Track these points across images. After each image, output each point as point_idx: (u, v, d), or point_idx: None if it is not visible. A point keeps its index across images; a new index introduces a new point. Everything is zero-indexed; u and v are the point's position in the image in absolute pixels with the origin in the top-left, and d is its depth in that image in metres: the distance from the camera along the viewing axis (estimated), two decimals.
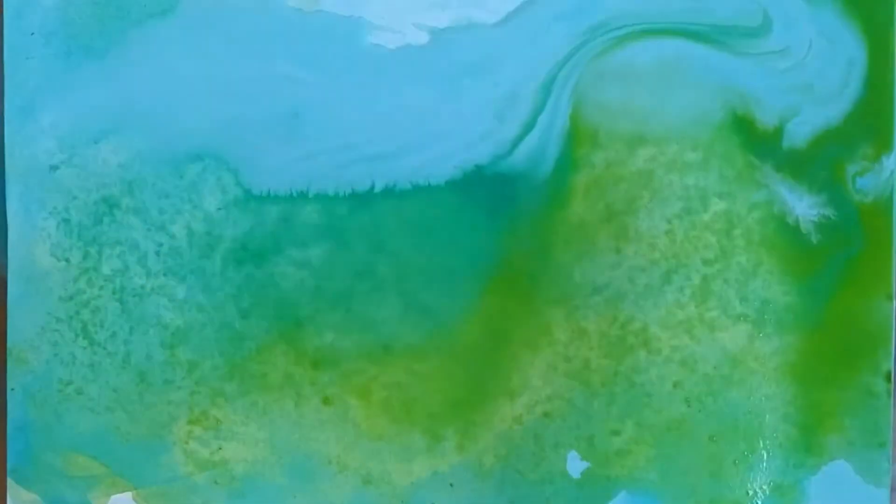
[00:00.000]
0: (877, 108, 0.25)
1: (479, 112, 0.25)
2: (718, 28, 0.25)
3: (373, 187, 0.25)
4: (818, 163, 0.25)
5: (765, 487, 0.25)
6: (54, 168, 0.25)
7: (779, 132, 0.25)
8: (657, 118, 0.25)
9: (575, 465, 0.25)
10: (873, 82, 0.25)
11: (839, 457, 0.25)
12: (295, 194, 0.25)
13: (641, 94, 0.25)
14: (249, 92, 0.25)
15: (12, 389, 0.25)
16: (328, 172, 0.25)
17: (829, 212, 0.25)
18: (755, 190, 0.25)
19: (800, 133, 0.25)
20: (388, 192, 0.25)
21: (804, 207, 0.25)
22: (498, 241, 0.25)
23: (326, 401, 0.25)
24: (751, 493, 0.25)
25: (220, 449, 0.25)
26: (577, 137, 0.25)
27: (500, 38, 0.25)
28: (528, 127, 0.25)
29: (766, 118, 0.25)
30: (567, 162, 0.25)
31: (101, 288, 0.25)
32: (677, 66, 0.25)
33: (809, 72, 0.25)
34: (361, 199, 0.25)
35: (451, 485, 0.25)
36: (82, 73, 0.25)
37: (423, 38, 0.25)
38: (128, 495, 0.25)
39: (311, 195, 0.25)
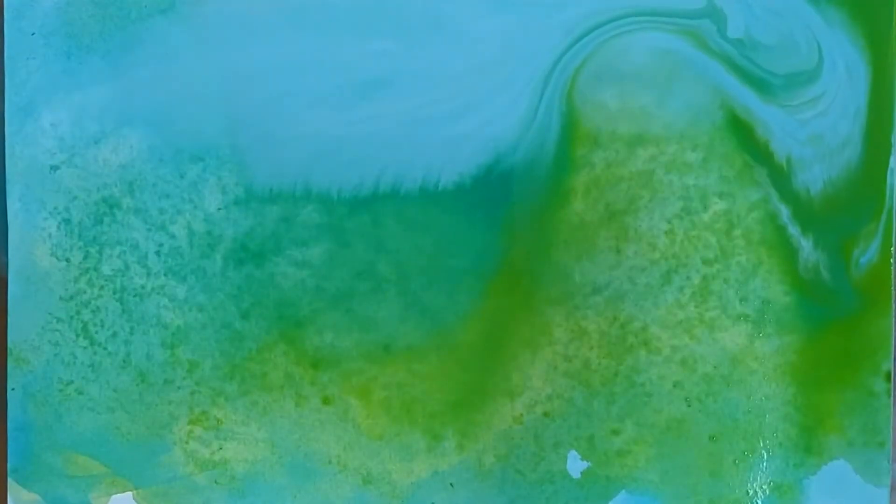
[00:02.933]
0: (873, 172, 0.24)
1: (477, 114, 0.24)
2: (774, 75, 0.24)
3: (376, 187, 0.24)
4: (825, 223, 0.24)
5: (765, 487, 0.24)
6: (55, 168, 0.24)
7: (790, 169, 0.24)
8: (657, 118, 0.24)
9: (575, 464, 0.24)
10: (872, 138, 0.24)
11: (839, 456, 0.24)
12: (296, 194, 0.24)
13: (641, 94, 0.24)
14: (251, 90, 0.24)
15: (13, 389, 0.24)
16: (330, 172, 0.24)
17: (825, 273, 0.24)
18: (755, 189, 0.24)
19: (810, 185, 0.24)
20: (390, 191, 0.24)
21: (804, 249, 0.24)
22: (498, 241, 0.24)
23: (326, 401, 0.24)
24: (751, 492, 0.24)
25: (220, 449, 0.25)
26: (576, 137, 0.24)
27: (495, 36, 0.24)
28: (527, 126, 0.24)
29: (777, 153, 0.24)
30: (567, 162, 0.24)
31: (102, 288, 0.24)
32: (679, 67, 0.24)
33: (827, 122, 0.24)
34: (363, 199, 0.24)
35: (452, 484, 0.24)
36: (83, 74, 0.24)
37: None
38: (128, 495, 0.24)
39: (312, 195, 0.24)
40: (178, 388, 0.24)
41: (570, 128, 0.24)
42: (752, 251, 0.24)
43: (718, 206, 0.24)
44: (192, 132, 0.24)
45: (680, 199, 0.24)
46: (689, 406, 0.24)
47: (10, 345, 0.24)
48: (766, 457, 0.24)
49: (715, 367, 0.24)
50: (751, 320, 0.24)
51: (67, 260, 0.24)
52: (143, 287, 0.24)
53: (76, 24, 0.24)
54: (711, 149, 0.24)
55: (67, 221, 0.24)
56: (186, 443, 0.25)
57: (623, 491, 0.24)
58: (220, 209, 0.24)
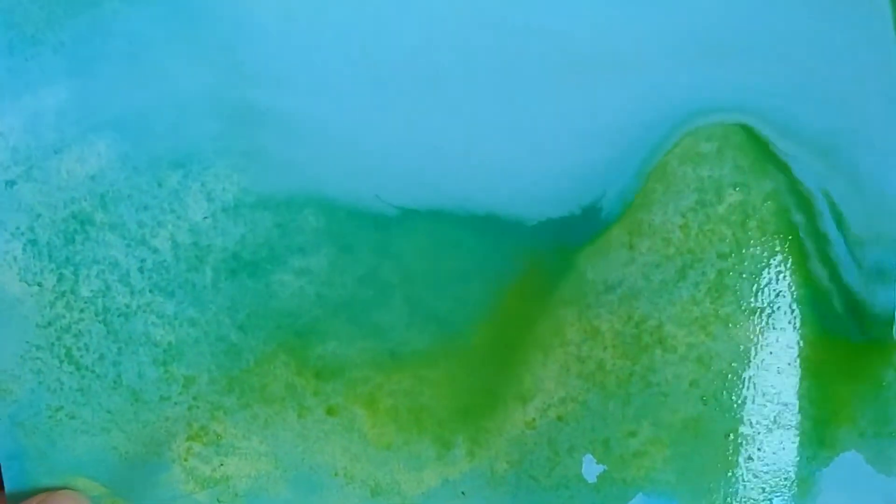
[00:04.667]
0: None
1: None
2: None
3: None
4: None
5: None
6: (11, 183, 0.20)
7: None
8: None
9: (591, 468, 0.22)
10: None
11: (850, 448, 0.22)
12: (291, 197, 0.21)
13: None
14: (242, 84, 0.20)
15: None
16: (330, 178, 0.21)
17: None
18: (769, 179, 0.21)
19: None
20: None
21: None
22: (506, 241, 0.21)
23: (331, 411, 0.22)
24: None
25: (221, 465, 0.22)
26: None
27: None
28: None
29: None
30: None
31: (82, 311, 0.21)
32: None
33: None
34: (365, 206, 0.21)
35: (463, 493, 0.22)
36: (31, 72, 0.20)
37: None
38: None
39: (309, 197, 0.21)
40: (175, 403, 0.22)
41: None
42: (766, 242, 0.22)
43: (734, 197, 0.22)
44: (171, 135, 0.20)
45: (694, 191, 0.22)
46: (706, 404, 0.22)
47: None
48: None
49: (731, 363, 0.22)
50: (765, 314, 0.22)
51: (39, 284, 0.21)
52: (127, 306, 0.21)
53: (16, 11, 0.19)
54: (726, 138, 0.21)
55: (34, 242, 0.20)
56: (185, 460, 0.22)
57: (640, 493, 0.22)
58: (205, 218, 0.21)
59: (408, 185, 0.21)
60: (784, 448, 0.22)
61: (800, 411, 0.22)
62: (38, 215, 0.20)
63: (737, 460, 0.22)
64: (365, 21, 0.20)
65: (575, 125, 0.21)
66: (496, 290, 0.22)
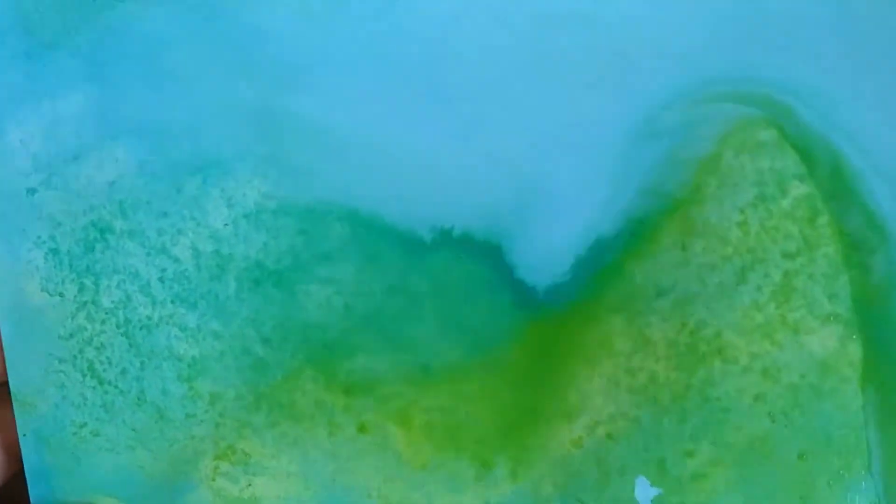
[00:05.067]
0: None
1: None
2: None
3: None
4: None
5: None
6: (32, 191, 0.20)
7: None
8: None
9: (644, 491, 0.20)
10: None
11: None
12: (314, 206, 0.20)
13: None
14: (253, 88, 0.19)
15: (24, 435, 0.20)
16: (354, 187, 0.19)
17: None
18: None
19: None
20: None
21: None
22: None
23: (362, 428, 0.20)
24: None
25: (249, 485, 0.21)
26: None
27: None
28: None
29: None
30: None
31: (104, 322, 0.20)
32: None
33: None
34: (392, 218, 0.20)
35: None
36: (49, 77, 0.19)
37: None
38: None
39: (333, 207, 0.20)
40: (201, 421, 0.21)
41: None
42: (841, 240, 0.19)
43: (799, 190, 0.19)
44: (189, 140, 0.20)
45: (753, 184, 0.19)
46: (774, 422, 0.20)
47: (12, 389, 0.20)
48: (865, 476, 0.19)
49: (802, 375, 0.20)
50: (842, 320, 0.19)
51: (61, 294, 0.20)
52: (149, 318, 0.20)
53: (34, 17, 0.19)
54: (785, 126, 0.19)
55: (55, 252, 0.20)
56: (213, 480, 0.21)
57: None
58: (226, 225, 0.20)
59: (435, 198, 0.20)
60: (870, 473, 0.20)
61: (887, 441, 0.19)
62: (59, 224, 0.20)
63: (813, 486, 0.20)
64: (391, 24, 0.19)
65: (609, 122, 0.19)
66: (535, 296, 0.20)
